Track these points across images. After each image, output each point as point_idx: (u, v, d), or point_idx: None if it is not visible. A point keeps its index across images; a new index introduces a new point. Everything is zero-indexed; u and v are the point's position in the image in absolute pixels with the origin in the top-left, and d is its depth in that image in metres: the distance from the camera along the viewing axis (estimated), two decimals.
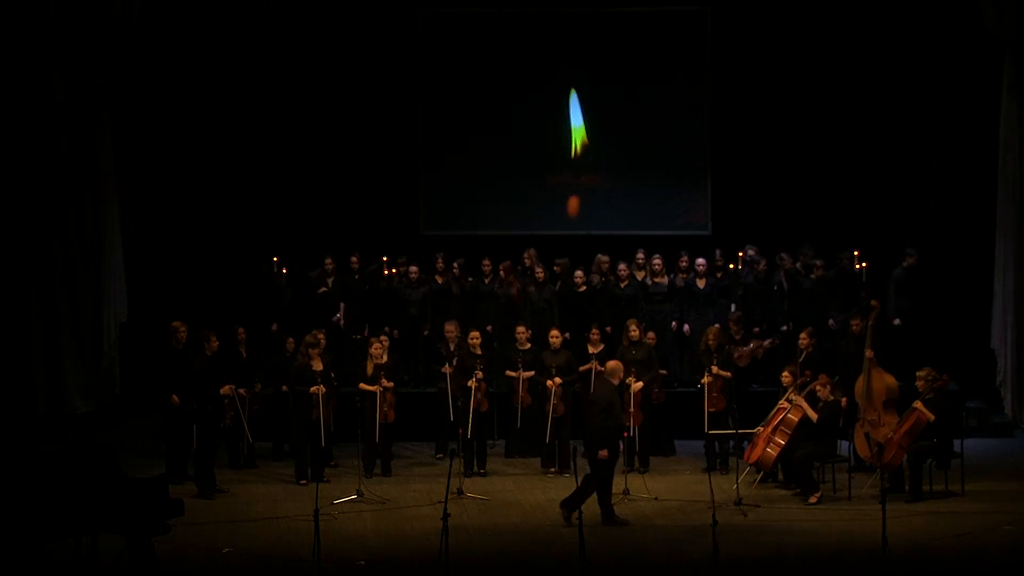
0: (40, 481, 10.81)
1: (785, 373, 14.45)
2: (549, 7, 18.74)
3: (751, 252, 17.58)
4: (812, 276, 17.34)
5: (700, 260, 17.27)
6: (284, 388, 14.98)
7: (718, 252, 17.61)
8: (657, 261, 17.24)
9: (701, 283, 17.18)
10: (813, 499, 13.46)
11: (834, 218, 18.52)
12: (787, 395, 14.14)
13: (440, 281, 17.28)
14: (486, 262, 17.43)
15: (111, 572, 10.92)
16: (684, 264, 17.36)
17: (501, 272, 17.16)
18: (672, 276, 17.32)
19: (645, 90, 19.01)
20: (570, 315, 16.81)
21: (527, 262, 17.50)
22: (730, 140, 19.05)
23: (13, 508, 10.58)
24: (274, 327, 16.64)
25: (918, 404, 13.61)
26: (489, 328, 16.65)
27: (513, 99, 18.95)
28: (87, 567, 10.88)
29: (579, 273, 17.14)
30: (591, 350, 15.63)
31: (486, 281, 17.35)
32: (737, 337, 15.93)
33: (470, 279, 17.43)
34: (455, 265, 17.37)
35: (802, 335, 15.19)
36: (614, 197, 19.29)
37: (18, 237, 16.76)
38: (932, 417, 13.47)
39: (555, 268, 17.39)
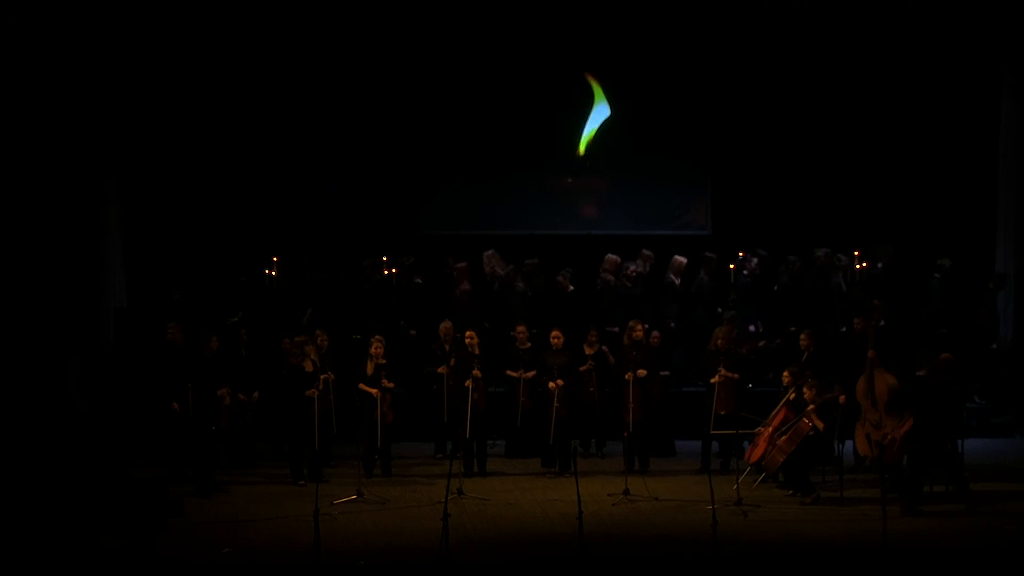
0: (40, 481, 10.83)
1: (786, 373, 14.44)
2: (549, 7, 18.75)
3: (822, 252, 17.56)
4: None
5: (753, 259, 17.37)
6: (284, 372, 14.93)
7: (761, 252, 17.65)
8: (681, 260, 17.29)
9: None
10: (807, 500, 13.45)
11: (835, 218, 18.53)
12: (788, 395, 14.11)
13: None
14: (451, 260, 17.47)
15: (111, 572, 10.91)
16: (715, 266, 17.38)
17: (456, 271, 17.22)
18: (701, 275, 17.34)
19: (645, 90, 19.00)
20: (548, 314, 16.82)
21: (487, 266, 17.54)
22: (730, 140, 19.05)
23: (14, 508, 10.59)
24: (308, 314, 16.55)
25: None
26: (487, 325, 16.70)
27: (514, 99, 18.94)
28: (88, 567, 10.87)
29: (563, 275, 17.12)
30: (588, 351, 15.63)
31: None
32: (731, 336, 15.91)
33: (417, 279, 17.41)
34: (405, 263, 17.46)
35: (802, 336, 15.19)
36: (614, 197, 19.30)
37: (19, 235, 16.76)
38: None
39: (524, 268, 17.43)
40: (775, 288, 17.40)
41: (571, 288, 17.24)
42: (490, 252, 17.67)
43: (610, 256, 17.49)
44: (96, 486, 10.87)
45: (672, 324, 15.80)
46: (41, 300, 16.88)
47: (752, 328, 16.86)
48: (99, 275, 17.35)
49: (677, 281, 17.40)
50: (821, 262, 17.48)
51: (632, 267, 17.30)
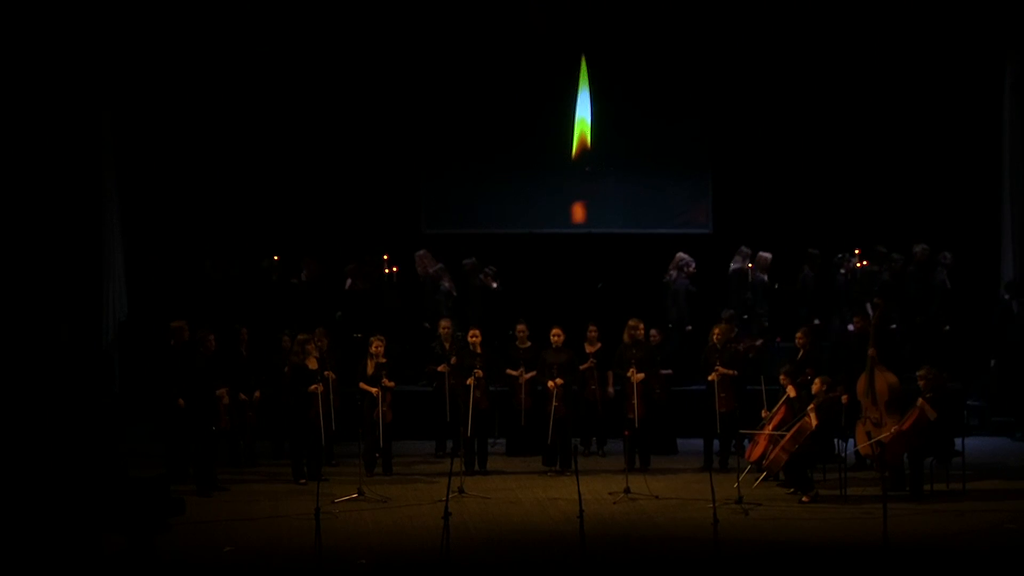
0: (41, 481, 10.82)
1: (782, 374, 14.41)
2: (551, 6, 18.71)
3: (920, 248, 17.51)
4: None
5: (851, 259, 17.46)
6: (287, 370, 14.85)
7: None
8: (767, 256, 17.32)
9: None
10: (806, 498, 13.44)
11: (836, 217, 18.52)
12: (786, 394, 14.08)
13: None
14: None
15: (112, 571, 10.91)
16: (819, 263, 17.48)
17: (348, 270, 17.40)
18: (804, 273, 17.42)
19: (646, 88, 18.98)
20: (482, 313, 16.90)
21: (419, 266, 17.58)
22: (732, 138, 19.04)
23: (16, 508, 10.58)
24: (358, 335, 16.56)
25: (920, 402, 13.59)
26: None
27: (514, 98, 18.92)
28: (88, 566, 10.86)
29: (485, 273, 17.38)
30: (588, 349, 15.63)
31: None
32: (730, 335, 15.92)
33: (294, 277, 17.48)
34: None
35: (798, 334, 15.18)
36: (615, 196, 19.28)
37: (19, 237, 16.77)
38: (934, 415, 13.45)
39: (463, 268, 17.56)
40: (876, 287, 17.40)
41: (494, 285, 17.34)
42: (422, 252, 17.75)
43: (680, 254, 17.54)
44: (96, 485, 10.85)
45: (765, 323, 15.78)
46: (42, 301, 16.89)
47: (851, 327, 16.90)
48: (100, 276, 17.36)
49: (765, 278, 17.44)
50: (918, 257, 17.43)
51: (693, 265, 17.35)
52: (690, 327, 16.99)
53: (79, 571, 10.83)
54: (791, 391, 13.95)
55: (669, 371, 15.79)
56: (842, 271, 17.51)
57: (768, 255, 17.54)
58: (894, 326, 16.87)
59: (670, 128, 19.11)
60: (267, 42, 18.38)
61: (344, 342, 16.54)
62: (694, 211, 19.33)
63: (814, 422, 13.55)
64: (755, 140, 18.93)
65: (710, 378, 14.88)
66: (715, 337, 15.09)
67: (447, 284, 17.39)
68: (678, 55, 18.84)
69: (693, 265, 17.47)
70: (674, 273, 17.39)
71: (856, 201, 18.65)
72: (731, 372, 14.90)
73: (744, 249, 17.67)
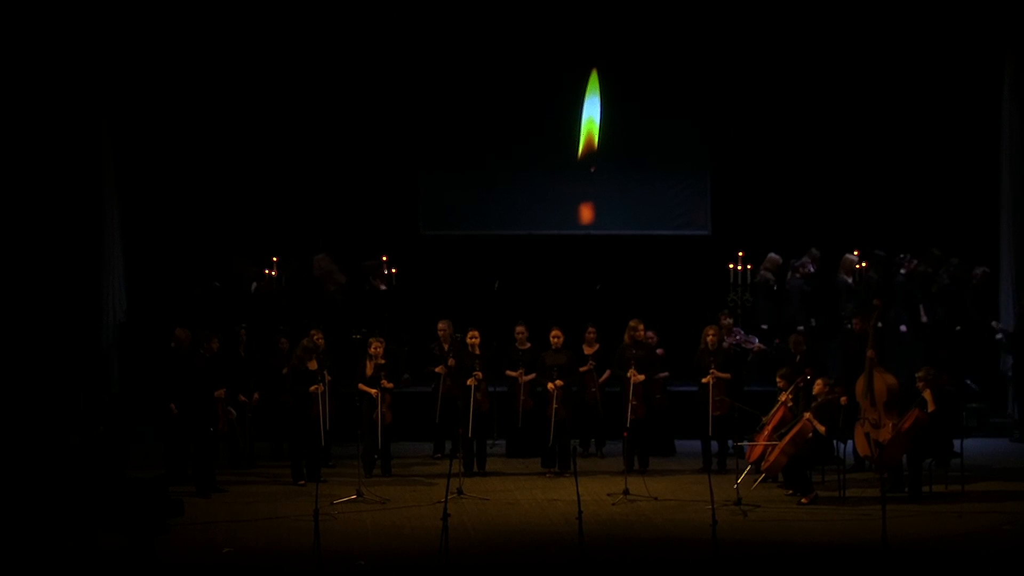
0: (40, 481, 10.83)
1: (779, 377, 14.41)
2: (551, 7, 18.71)
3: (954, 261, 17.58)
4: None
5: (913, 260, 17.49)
6: (285, 371, 14.84)
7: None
8: (852, 258, 17.38)
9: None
10: (805, 500, 13.45)
11: (835, 219, 18.53)
12: (787, 395, 14.08)
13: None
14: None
15: (111, 572, 10.91)
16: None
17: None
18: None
19: (646, 89, 18.99)
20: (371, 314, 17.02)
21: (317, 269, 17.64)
22: (730, 140, 19.04)
23: (14, 508, 10.59)
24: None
25: (916, 411, 13.59)
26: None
27: (514, 99, 18.92)
28: (87, 567, 10.87)
29: (378, 274, 17.52)
30: (587, 350, 15.62)
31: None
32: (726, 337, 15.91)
33: (216, 283, 17.57)
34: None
35: (793, 338, 15.18)
36: (614, 197, 19.28)
37: (18, 237, 16.78)
38: (933, 406, 13.45)
39: (363, 269, 17.70)
40: (933, 289, 17.41)
41: (383, 287, 17.37)
42: (321, 255, 17.73)
43: (772, 255, 17.52)
44: (96, 486, 10.85)
45: (848, 325, 15.78)
46: (41, 302, 16.90)
47: (903, 328, 16.88)
48: (99, 277, 17.35)
49: (849, 280, 17.45)
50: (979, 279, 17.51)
51: (809, 265, 17.41)
52: (801, 327, 16.98)
53: (78, 572, 10.83)
54: (784, 396, 13.98)
55: (666, 374, 15.79)
56: (902, 271, 17.53)
57: (853, 258, 17.57)
58: (903, 328, 16.87)
59: (669, 129, 19.11)
60: (266, 43, 18.38)
61: (340, 344, 16.57)
62: (693, 213, 19.33)
63: (821, 428, 13.55)
64: (754, 142, 18.94)
65: (704, 380, 14.87)
66: (709, 339, 15.08)
67: (331, 287, 17.42)
68: (678, 56, 18.85)
69: (809, 266, 17.51)
70: (772, 276, 17.43)
71: (855, 202, 18.65)
72: (725, 376, 14.89)
73: (813, 251, 17.69)
